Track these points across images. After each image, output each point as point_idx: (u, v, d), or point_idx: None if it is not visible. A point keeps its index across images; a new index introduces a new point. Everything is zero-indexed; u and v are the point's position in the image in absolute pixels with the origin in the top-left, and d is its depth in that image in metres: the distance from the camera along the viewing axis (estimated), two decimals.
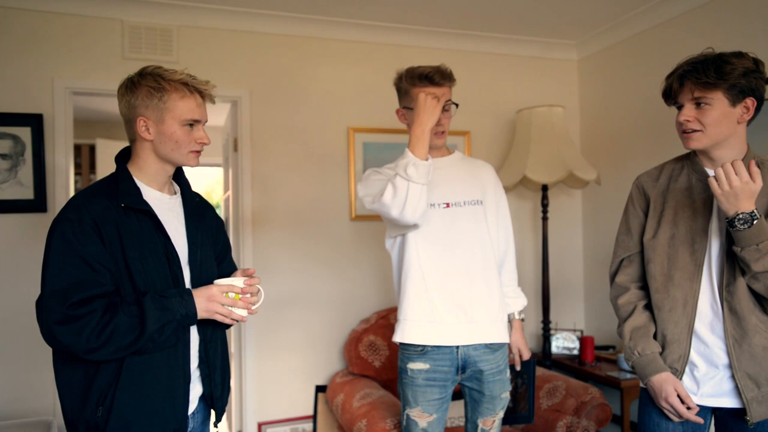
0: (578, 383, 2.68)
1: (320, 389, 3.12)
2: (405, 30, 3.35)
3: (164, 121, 1.42)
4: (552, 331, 3.47)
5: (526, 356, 2.06)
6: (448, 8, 3.08)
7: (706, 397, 1.58)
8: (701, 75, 1.49)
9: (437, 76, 1.85)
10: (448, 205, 1.90)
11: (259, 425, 3.09)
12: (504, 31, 3.46)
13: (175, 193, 1.56)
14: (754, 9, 2.62)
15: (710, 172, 1.59)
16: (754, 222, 1.41)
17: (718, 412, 1.61)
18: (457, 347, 1.87)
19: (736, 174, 1.40)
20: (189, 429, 1.48)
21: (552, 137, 3.21)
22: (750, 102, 1.53)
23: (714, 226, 1.58)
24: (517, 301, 2.05)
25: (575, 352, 3.40)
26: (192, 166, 1.51)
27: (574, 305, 3.75)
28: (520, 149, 3.28)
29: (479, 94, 3.55)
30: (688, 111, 1.54)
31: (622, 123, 3.35)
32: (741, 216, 1.42)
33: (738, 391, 1.52)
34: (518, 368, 2.08)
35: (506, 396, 1.94)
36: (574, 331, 3.46)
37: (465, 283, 1.87)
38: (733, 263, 1.52)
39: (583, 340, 3.28)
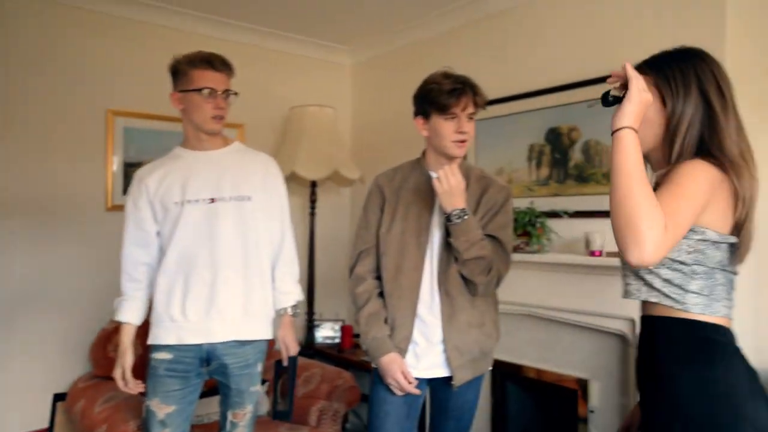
0: (333, 369, 2.86)
1: (59, 398, 2.81)
2: (178, 13, 3.19)
3: None
4: (317, 322, 3.63)
5: (293, 351, 2.03)
6: None
7: (424, 370, 1.81)
8: (479, 95, 1.76)
9: (218, 62, 1.85)
10: (213, 200, 1.85)
11: None
12: (281, 28, 3.51)
13: None
14: (484, 37, 3.09)
15: (433, 174, 1.83)
16: (465, 217, 1.67)
17: (432, 382, 1.86)
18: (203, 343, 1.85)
19: (453, 175, 1.65)
20: None
21: (322, 136, 3.36)
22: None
23: (436, 220, 1.83)
24: (289, 296, 2.00)
25: (337, 340, 3.61)
26: None
27: (341, 297, 3.96)
28: (291, 146, 3.37)
29: (254, 88, 3.55)
30: (466, 124, 1.76)
31: (387, 126, 3.65)
32: (456, 212, 1.67)
33: (448, 362, 1.78)
34: (285, 364, 2.06)
35: (256, 390, 1.94)
36: (337, 321, 3.67)
37: (220, 280, 1.84)
38: (449, 253, 1.77)
39: (343, 329, 3.50)
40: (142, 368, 2.72)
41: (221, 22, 3.35)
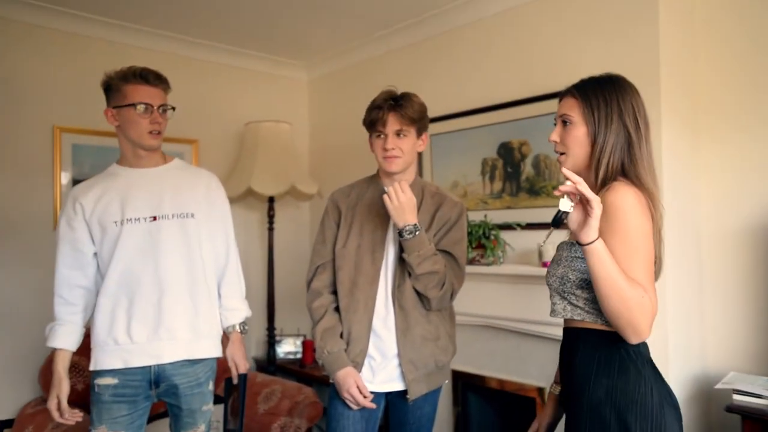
0: (294, 385, 2.84)
1: (6, 424, 2.70)
2: (129, 29, 3.15)
3: None
4: (278, 338, 3.60)
5: (243, 369, 2.02)
6: (177, 11, 2.99)
7: (380, 384, 1.82)
8: (406, 110, 1.77)
9: (152, 76, 1.81)
10: (155, 218, 1.81)
11: None
12: (235, 44, 3.50)
13: None
14: (438, 53, 3.15)
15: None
16: (417, 233, 1.70)
17: (389, 396, 1.88)
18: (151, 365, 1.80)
19: (402, 191, 1.68)
20: None
21: (278, 152, 3.36)
22: (425, 136, 1.87)
23: (390, 236, 1.85)
24: (236, 313, 1.99)
25: (299, 355, 3.59)
26: None
27: (301, 312, 3.93)
28: (247, 161, 3.35)
29: (209, 103, 3.53)
30: (394, 140, 1.79)
31: (345, 141, 3.67)
32: (408, 227, 1.69)
33: (403, 376, 1.80)
34: (235, 381, 2.04)
35: (208, 409, 1.91)
36: (298, 336, 3.64)
37: (166, 299, 1.80)
38: (403, 268, 1.80)
39: (304, 344, 3.49)
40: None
41: (174, 38, 3.32)
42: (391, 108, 1.78)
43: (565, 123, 1.36)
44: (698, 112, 2.46)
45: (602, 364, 1.27)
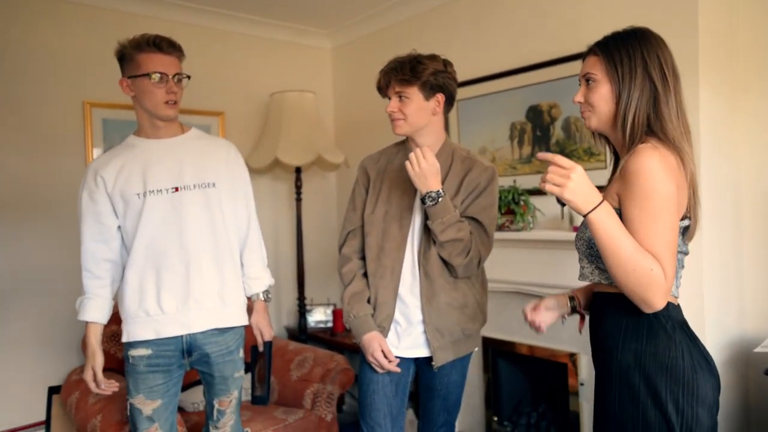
0: (326, 353, 2.88)
1: (55, 390, 2.83)
2: (157, 1, 3.14)
3: None
4: (308, 307, 3.65)
5: (267, 337, 2.03)
6: None
7: (406, 349, 1.84)
8: (400, 73, 1.73)
9: (165, 44, 1.79)
10: (177, 189, 1.80)
11: None
12: (260, 13, 3.47)
13: None
14: (463, 16, 3.07)
15: None
16: (440, 200, 1.68)
17: (417, 361, 1.89)
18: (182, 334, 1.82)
19: (424, 157, 1.65)
20: None
21: (303, 122, 3.34)
22: (440, 97, 1.79)
23: (417, 203, 1.83)
24: (259, 282, 1.99)
25: (329, 324, 3.64)
26: None
27: (331, 281, 3.98)
28: (273, 132, 3.35)
29: (234, 75, 3.53)
30: (394, 103, 1.78)
31: (371, 109, 3.62)
32: (431, 194, 1.67)
33: (429, 343, 1.80)
34: (261, 349, 2.07)
35: (239, 375, 1.93)
36: (328, 305, 3.69)
37: (193, 269, 1.81)
38: (429, 235, 1.78)
39: (335, 313, 3.53)
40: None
41: (199, 9, 3.30)
42: (390, 71, 1.76)
43: (588, 82, 1.31)
44: (737, 69, 2.35)
45: (630, 329, 1.25)
